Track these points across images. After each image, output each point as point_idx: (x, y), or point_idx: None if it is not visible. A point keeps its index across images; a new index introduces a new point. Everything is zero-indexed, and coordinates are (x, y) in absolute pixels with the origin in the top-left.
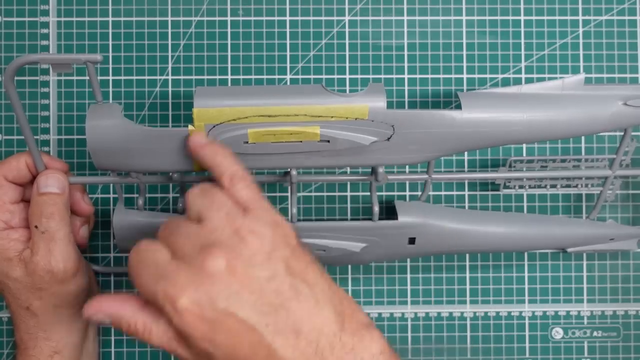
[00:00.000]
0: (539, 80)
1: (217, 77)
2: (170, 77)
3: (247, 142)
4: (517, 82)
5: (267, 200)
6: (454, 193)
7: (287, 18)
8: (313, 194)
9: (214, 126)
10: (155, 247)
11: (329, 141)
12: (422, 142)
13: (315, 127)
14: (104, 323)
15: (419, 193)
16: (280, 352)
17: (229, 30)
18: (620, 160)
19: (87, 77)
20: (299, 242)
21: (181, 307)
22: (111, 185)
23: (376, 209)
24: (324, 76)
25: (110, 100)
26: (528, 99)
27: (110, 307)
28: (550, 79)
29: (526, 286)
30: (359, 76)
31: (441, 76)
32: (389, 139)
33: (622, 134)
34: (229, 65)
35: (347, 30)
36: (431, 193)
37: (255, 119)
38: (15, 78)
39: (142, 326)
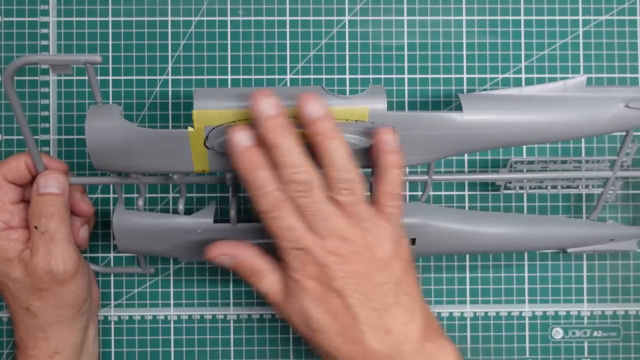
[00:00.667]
0: (539, 80)
1: (217, 77)
2: (170, 77)
3: None
4: (517, 82)
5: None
6: (454, 193)
7: (287, 18)
8: None
9: (213, 128)
10: (291, 218)
11: None
12: (422, 144)
13: None
14: (225, 264)
15: (419, 193)
16: (368, 340)
17: (229, 30)
18: (621, 162)
19: (87, 77)
20: (410, 258)
21: (302, 267)
22: (111, 185)
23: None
24: (324, 76)
25: (110, 100)
26: (529, 100)
27: (236, 251)
28: (550, 79)
29: (526, 286)
30: (359, 76)
31: (441, 76)
32: None
33: (622, 134)
34: (229, 65)
35: (347, 30)
36: (431, 193)
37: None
38: (15, 78)
39: (258, 273)
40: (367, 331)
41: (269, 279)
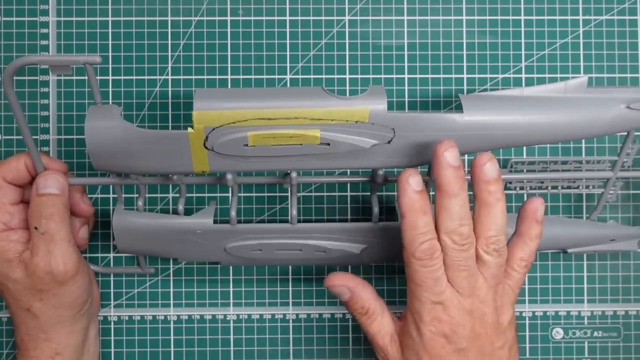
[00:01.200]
0: (539, 80)
1: (217, 77)
2: (170, 77)
3: (247, 145)
4: (517, 82)
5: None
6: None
7: (287, 18)
8: (313, 194)
9: (213, 129)
10: (440, 270)
11: (329, 144)
12: (423, 145)
13: (315, 130)
14: (341, 296)
15: None
16: None
17: (229, 30)
18: (622, 162)
19: (87, 77)
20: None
21: (435, 321)
22: (110, 185)
23: (376, 210)
24: (324, 76)
25: (110, 100)
26: (530, 101)
27: (355, 286)
28: (550, 79)
29: (526, 286)
30: (359, 76)
31: (441, 76)
32: (389, 142)
33: (623, 134)
34: (229, 65)
35: (347, 30)
36: (431, 193)
37: (255, 121)
38: (15, 78)
39: (372, 312)
40: None
41: (380, 323)
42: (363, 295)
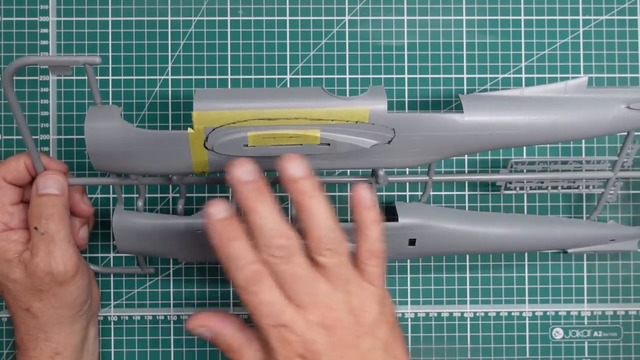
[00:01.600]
0: (540, 80)
1: (217, 77)
2: (170, 77)
3: (247, 145)
4: (518, 82)
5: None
6: (454, 193)
7: (287, 18)
8: None
9: (213, 129)
10: (271, 291)
11: (329, 144)
12: (423, 146)
13: (315, 131)
14: (203, 337)
15: (420, 193)
16: None
17: (229, 30)
18: (622, 162)
19: (86, 78)
20: (395, 319)
21: (285, 345)
22: (110, 186)
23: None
24: (324, 76)
25: (110, 100)
26: (530, 101)
27: (214, 324)
28: (550, 79)
29: (526, 286)
30: (359, 76)
31: (441, 76)
32: (389, 142)
33: (623, 134)
34: (229, 65)
35: (347, 30)
36: (431, 193)
37: (255, 122)
38: (15, 78)
39: (238, 349)
40: None
41: (248, 356)
42: (225, 332)
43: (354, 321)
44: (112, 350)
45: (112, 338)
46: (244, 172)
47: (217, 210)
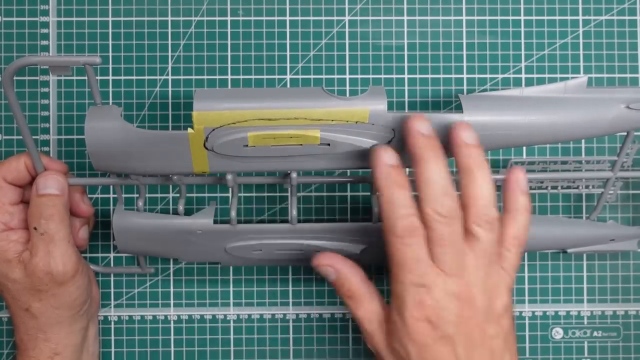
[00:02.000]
0: (539, 80)
1: (217, 77)
2: (170, 77)
3: (247, 146)
4: (517, 82)
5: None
6: (454, 193)
7: (287, 18)
8: (313, 194)
9: (213, 129)
10: (422, 249)
11: (329, 144)
12: None
13: (315, 131)
14: (327, 277)
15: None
16: None
17: (229, 30)
18: (621, 162)
19: (87, 78)
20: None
21: (418, 306)
22: (110, 186)
23: (376, 210)
24: (324, 76)
25: (110, 100)
26: (530, 101)
27: (343, 267)
28: (550, 79)
29: (526, 286)
30: (359, 76)
31: (441, 76)
32: (389, 142)
33: (623, 134)
34: (229, 65)
35: (347, 30)
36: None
37: (255, 122)
38: (15, 78)
39: (358, 297)
40: None
41: (367, 308)
42: (350, 277)
43: (486, 304)
44: (112, 350)
45: (112, 338)
46: (424, 127)
47: (389, 156)
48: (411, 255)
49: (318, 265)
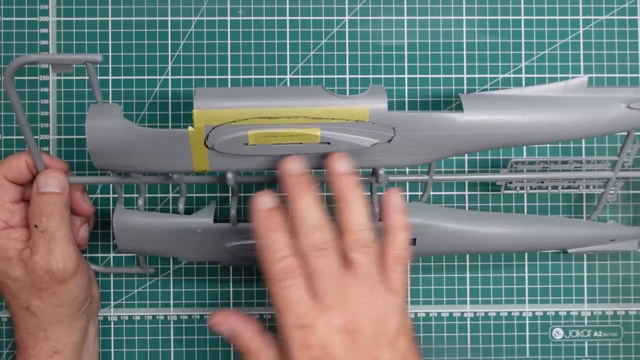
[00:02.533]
0: (540, 80)
1: (217, 77)
2: (170, 77)
3: (247, 144)
4: (518, 82)
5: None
6: (454, 193)
7: (287, 18)
8: None
9: (214, 127)
10: (300, 289)
11: (329, 143)
12: (423, 145)
13: (315, 129)
14: (223, 334)
15: (420, 193)
16: None
17: (229, 30)
18: (622, 162)
19: (86, 77)
20: (413, 332)
21: (303, 348)
22: (111, 185)
23: (376, 210)
24: (324, 76)
25: (110, 100)
26: (530, 101)
27: (235, 324)
28: (550, 79)
29: (526, 286)
30: (359, 76)
31: (441, 76)
32: (389, 141)
33: (623, 134)
34: (229, 65)
35: (347, 30)
36: (431, 193)
37: (255, 120)
38: (15, 78)
39: (254, 351)
40: None
41: (266, 358)
42: (243, 333)
43: (375, 330)
44: (112, 350)
45: (112, 338)
46: (293, 167)
47: (264, 201)
48: (290, 297)
49: (213, 325)
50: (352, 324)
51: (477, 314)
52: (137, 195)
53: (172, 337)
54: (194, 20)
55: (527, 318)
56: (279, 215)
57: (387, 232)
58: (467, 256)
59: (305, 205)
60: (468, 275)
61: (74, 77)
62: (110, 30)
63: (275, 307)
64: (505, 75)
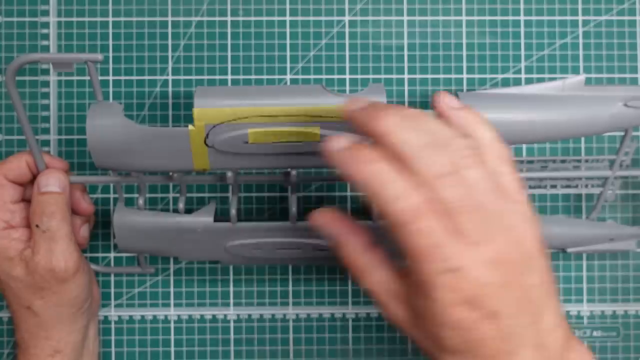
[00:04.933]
0: (539, 80)
1: (217, 77)
2: (170, 77)
3: (247, 142)
4: (517, 82)
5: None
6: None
7: (287, 18)
8: (313, 193)
9: (214, 126)
10: (436, 229)
11: None
12: None
13: (315, 128)
14: (327, 237)
15: None
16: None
17: (229, 30)
18: (620, 161)
19: (87, 77)
20: (541, 239)
21: (453, 290)
22: (111, 184)
23: (376, 210)
24: (324, 76)
25: (111, 100)
26: (528, 99)
27: (340, 233)
28: (550, 79)
29: None
30: (359, 76)
31: (441, 76)
32: None
33: (622, 133)
34: (229, 65)
35: (347, 30)
36: None
37: (255, 119)
38: (16, 78)
39: (360, 269)
40: (522, 351)
41: (372, 280)
42: (348, 247)
43: (521, 254)
44: (113, 350)
45: (113, 338)
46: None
47: (337, 142)
48: (426, 242)
49: (315, 223)
50: (502, 254)
51: None
52: (138, 195)
53: (172, 337)
54: (195, 20)
55: None
56: (367, 147)
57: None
58: None
59: (405, 126)
60: None
61: (75, 77)
62: (110, 31)
63: (407, 254)
64: (505, 76)
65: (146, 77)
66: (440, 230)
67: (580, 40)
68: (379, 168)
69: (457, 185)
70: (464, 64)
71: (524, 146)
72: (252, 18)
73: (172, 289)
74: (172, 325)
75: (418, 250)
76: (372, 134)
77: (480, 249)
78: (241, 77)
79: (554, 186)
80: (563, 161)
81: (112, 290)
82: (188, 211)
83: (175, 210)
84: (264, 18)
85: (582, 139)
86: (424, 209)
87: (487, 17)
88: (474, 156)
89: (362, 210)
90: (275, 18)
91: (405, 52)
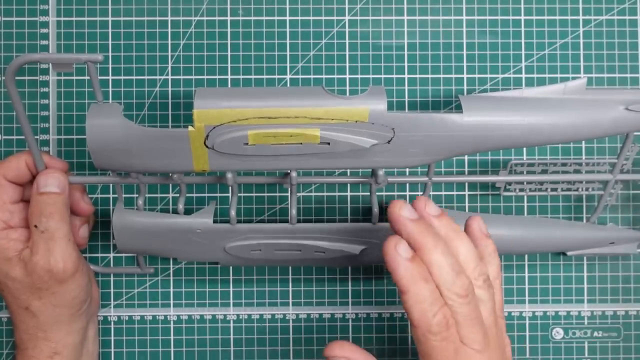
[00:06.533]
0: (539, 80)
1: (217, 77)
2: (170, 77)
3: (247, 144)
4: (517, 82)
5: None
6: (454, 193)
7: (287, 18)
8: (313, 194)
9: (214, 127)
10: (457, 338)
11: (329, 143)
12: (422, 145)
13: (315, 130)
14: None
15: (419, 194)
16: None
17: (229, 30)
18: (621, 165)
19: (87, 77)
20: None
21: None
22: (111, 185)
23: (376, 210)
24: (324, 76)
25: (110, 101)
26: (529, 102)
27: (352, 354)
28: (550, 79)
29: (526, 286)
30: (359, 76)
31: (441, 76)
32: (389, 141)
33: (622, 136)
34: (229, 65)
35: (347, 30)
36: (431, 193)
37: (255, 120)
38: (15, 78)
39: None
40: None
41: None
42: None
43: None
44: (112, 350)
45: (112, 338)
46: (407, 211)
47: (405, 249)
48: (448, 347)
49: (330, 357)
50: None
51: None
52: (137, 195)
53: (172, 337)
54: (194, 20)
55: (527, 318)
56: (422, 263)
57: (482, 258)
58: None
59: (440, 251)
60: None
61: (74, 77)
62: (110, 30)
63: (427, 356)
64: (505, 76)
65: (146, 77)
66: (458, 340)
67: (581, 40)
68: (428, 287)
69: (472, 303)
70: (464, 64)
71: (525, 147)
72: (252, 18)
73: (171, 290)
74: (171, 325)
75: (444, 355)
76: (412, 245)
77: (482, 356)
78: (241, 77)
79: (554, 189)
80: (564, 164)
81: (112, 290)
82: (188, 211)
83: (175, 211)
84: (264, 18)
85: (583, 141)
86: (451, 320)
87: (488, 17)
88: (488, 283)
89: (361, 211)
90: (275, 18)
91: (405, 52)
